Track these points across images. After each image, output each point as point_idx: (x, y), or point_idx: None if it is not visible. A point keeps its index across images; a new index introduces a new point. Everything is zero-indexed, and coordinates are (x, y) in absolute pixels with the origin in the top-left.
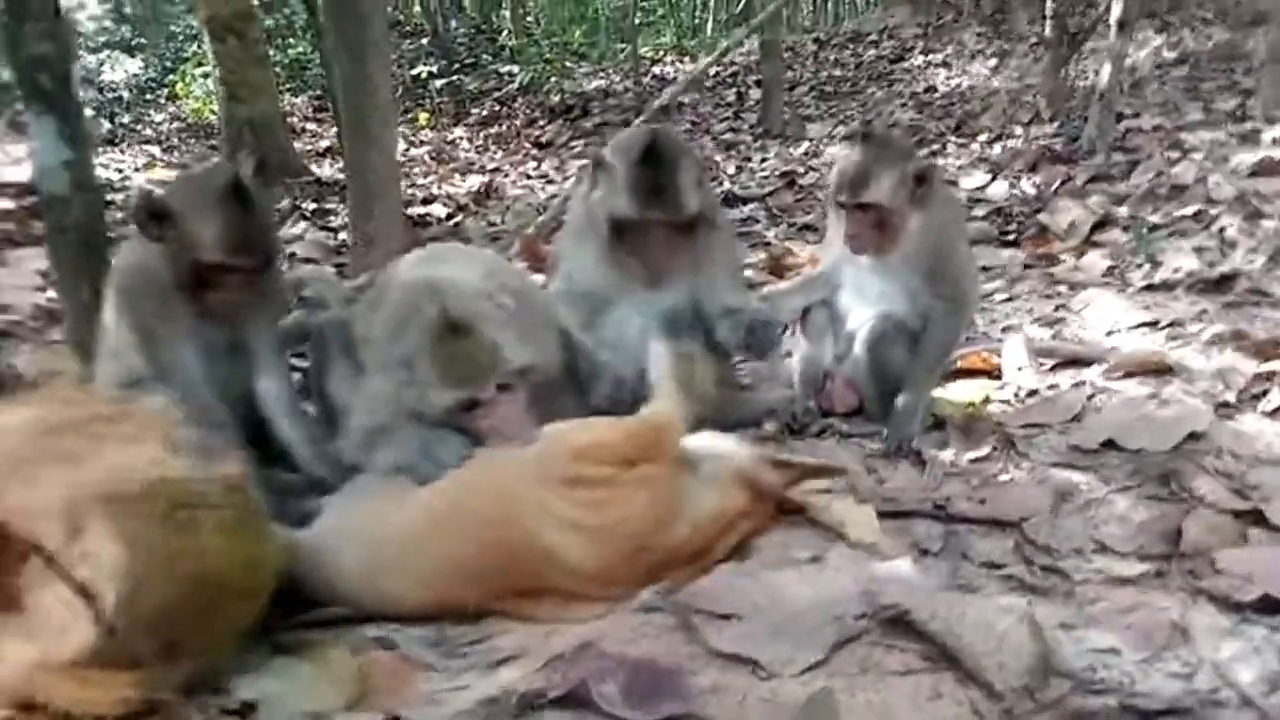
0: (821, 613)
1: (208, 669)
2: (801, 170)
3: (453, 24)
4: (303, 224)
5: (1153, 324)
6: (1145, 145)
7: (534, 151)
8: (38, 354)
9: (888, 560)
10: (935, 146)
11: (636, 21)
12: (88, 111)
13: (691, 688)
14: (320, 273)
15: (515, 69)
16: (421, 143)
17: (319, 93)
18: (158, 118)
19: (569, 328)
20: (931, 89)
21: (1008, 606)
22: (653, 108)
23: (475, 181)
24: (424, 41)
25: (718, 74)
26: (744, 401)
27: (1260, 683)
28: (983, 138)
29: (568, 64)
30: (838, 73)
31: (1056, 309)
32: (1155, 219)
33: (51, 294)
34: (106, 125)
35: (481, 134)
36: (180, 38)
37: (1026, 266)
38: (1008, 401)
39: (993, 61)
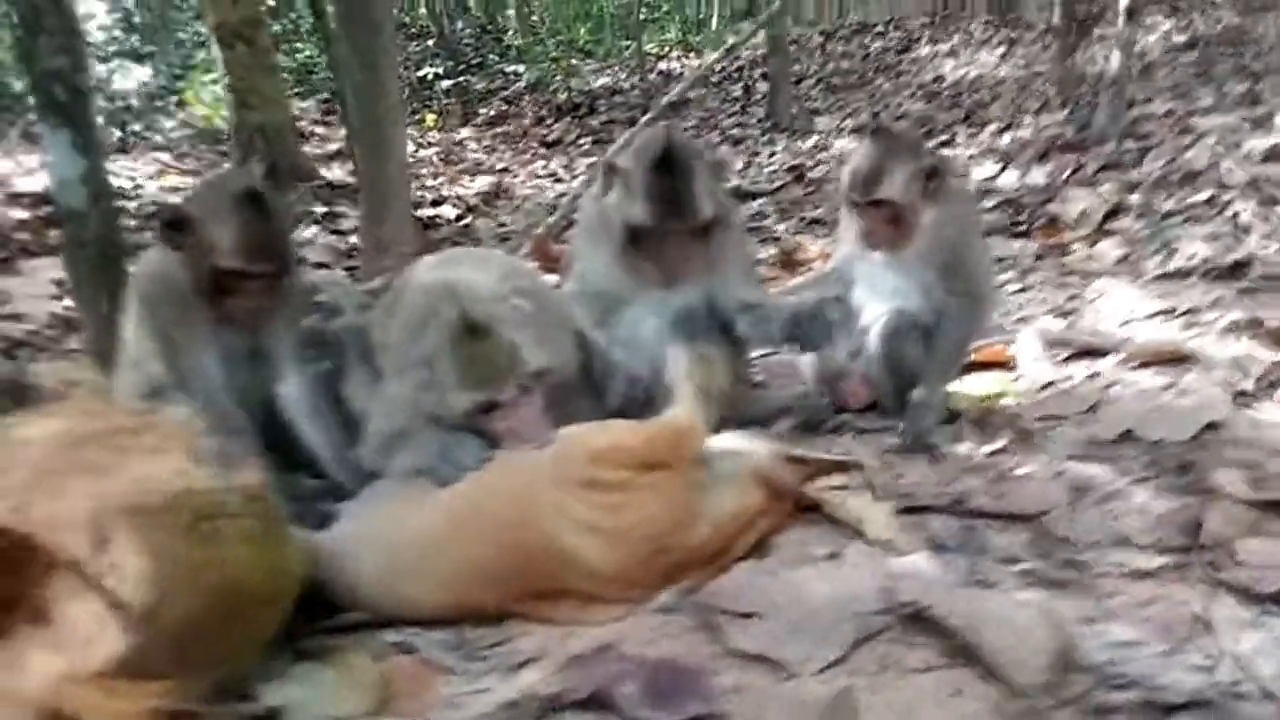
0: (840, 610)
1: (232, 677)
2: (810, 164)
3: (458, 24)
4: (314, 228)
5: (1168, 312)
6: (1156, 131)
7: (542, 150)
8: (57, 364)
9: (905, 556)
10: (944, 137)
11: (641, 18)
12: (99, 120)
13: (713, 688)
14: (335, 278)
15: (521, 68)
16: (429, 144)
17: (326, 96)
18: (168, 125)
19: (584, 328)
20: (939, 79)
21: (1027, 601)
22: (660, 104)
23: (484, 182)
24: (430, 43)
25: (724, 69)
26: (758, 399)
27: None
28: (992, 127)
29: (574, 62)
30: (845, 65)
31: (1070, 299)
32: (1168, 206)
33: (68, 303)
34: (117, 134)
35: (489, 134)
36: (189, 45)
37: (1038, 257)
38: (1023, 394)
39: (1000, 50)
